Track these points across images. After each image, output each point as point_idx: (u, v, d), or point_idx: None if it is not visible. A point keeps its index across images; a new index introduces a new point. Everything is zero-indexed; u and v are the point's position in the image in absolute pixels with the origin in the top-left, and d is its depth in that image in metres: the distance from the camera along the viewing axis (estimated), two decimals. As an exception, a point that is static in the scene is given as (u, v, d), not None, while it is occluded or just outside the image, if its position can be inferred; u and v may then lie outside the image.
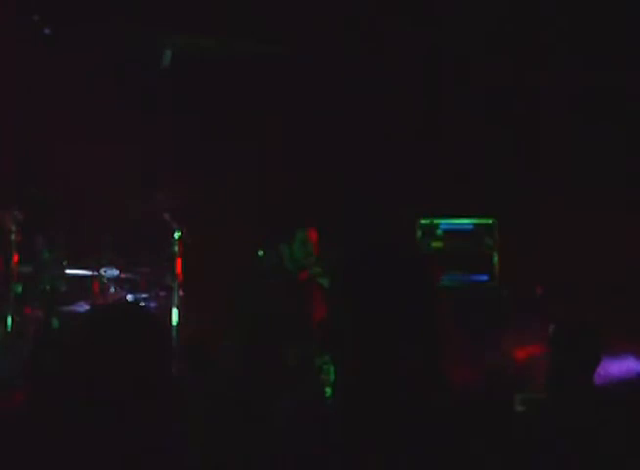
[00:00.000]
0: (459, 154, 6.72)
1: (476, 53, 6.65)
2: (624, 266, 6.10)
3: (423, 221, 6.49)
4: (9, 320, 5.46)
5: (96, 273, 5.98)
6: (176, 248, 5.82)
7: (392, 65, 6.87)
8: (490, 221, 6.44)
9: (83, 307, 5.87)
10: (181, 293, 5.81)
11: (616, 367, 4.85)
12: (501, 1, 6.65)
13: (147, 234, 6.19)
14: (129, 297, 6.01)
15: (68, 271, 5.96)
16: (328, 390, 4.59)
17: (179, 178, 6.61)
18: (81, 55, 6.79)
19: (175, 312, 5.75)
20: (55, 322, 5.66)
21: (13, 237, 5.55)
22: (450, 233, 6.49)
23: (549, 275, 6.29)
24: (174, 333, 5.67)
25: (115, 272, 6.02)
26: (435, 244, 6.44)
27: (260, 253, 5.84)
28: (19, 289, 5.63)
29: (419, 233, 6.47)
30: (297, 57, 7.01)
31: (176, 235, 5.82)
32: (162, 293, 6.08)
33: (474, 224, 6.48)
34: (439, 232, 6.50)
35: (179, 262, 5.81)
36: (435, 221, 6.50)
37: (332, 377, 4.64)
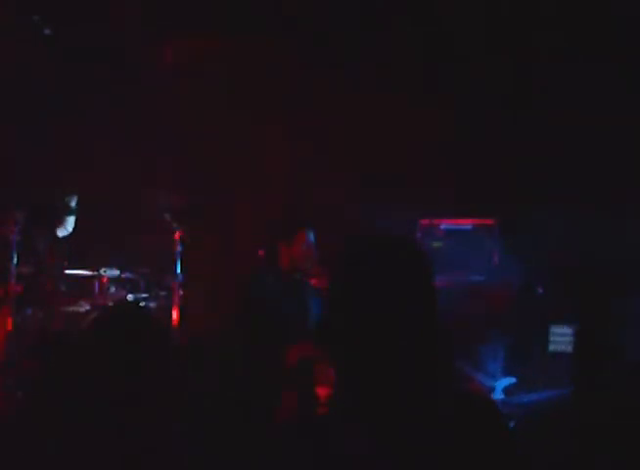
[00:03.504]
0: (459, 154, 6.72)
1: (476, 52, 6.65)
2: (624, 264, 6.09)
3: (423, 221, 6.49)
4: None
5: (96, 273, 5.98)
6: (176, 248, 5.82)
7: (393, 63, 6.87)
8: (490, 221, 6.44)
9: (83, 307, 5.87)
10: (181, 293, 5.81)
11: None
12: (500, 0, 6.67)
13: (147, 234, 6.20)
14: (129, 297, 6.01)
15: (68, 271, 5.96)
16: (327, 390, 4.59)
17: (179, 178, 6.61)
18: (81, 54, 6.79)
19: (175, 312, 5.75)
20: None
21: (13, 237, 5.55)
22: (450, 233, 6.49)
23: (549, 275, 6.29)
24: (174, 333, 5.67)
25: (115, 272, 6.02)
26: (435, 244, 6.44)
27: (260, 253, 5.84)
28: (19, 289, 5.63)
29: (419, 233, 6.47)
30: (297, 56, 7.02)
31: (176, 235, 5.82)
32: (162, 293, 6.08)
33: (474, 224, 6.48)
34: (439, 232, 6.50)
35: (179, 262, 5.82)
36: (435, 221, 6.50)
37: (331, 377, 4.64)
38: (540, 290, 6.24)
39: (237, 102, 7.07)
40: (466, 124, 6.72)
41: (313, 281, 5.32)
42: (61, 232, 6.05)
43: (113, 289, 6.03)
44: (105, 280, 5.99)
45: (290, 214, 5.75)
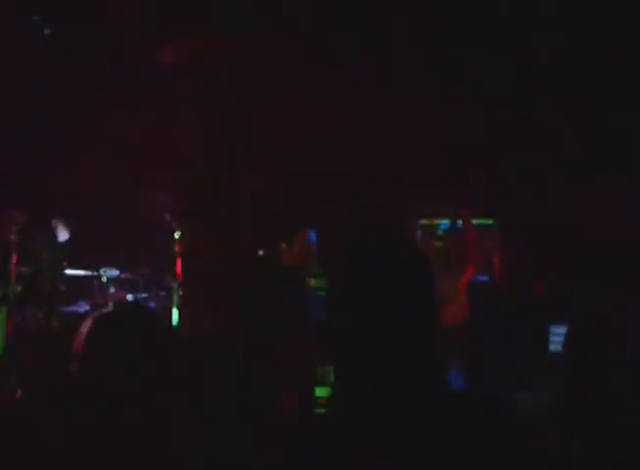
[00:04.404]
0: (459, 154, 6.72)
1: (476, 52, 6.65)
2: (625, 263, 6.10)
3: (423, 221, 6.50)
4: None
5: (96, 273, 5.98)
6: (176, 248, 5.82)
7: (393, 63, 6.87)
8: (490, 221, 6.44)
9: (83, 307, 5.87)
10: (181, 293, 5.81)
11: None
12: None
13: (147, 234, 6.19)
14: (129, 297, 6.01)
15: (68, 271, 5.96)
16: (328, 390, 4.59)
17: (179, 178, 6.61)
18: (81, 54, 6.79)
19: (175, 312, 5.75)
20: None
21: (13, 237, 5.55)
22: (450, 233, 6.50)
23: (549, 275, 6.29)
24: (176, 333, 5.66)
25: (115, 272, 6.02)
26: (435, 244, 6.44)
27: (260, 253, 5.84)
28: (19, 289, 5.63)
29: (419, 233, 6.48)
30: (297, 56, 7.02)
31: (176, 235, 5.82)
32: (162, 293, 6.08)
33: (474, 224, 6.48)
34: (439, 232, 6.51)
35: (179, 262, 5.82)
36: (435, 221, 6.50)
37: (331, 377, 4.64)
38: (540, 290, 6.23)
39: (237, 102, 7.07)
40: (466, 124, 6.72)
41: (313, 281, 5.32)
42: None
43: (112, 289, 6.03)
44: (105, 280, 5.99)
45: (290, 215, 5.74)
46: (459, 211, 6.42)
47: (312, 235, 5.22)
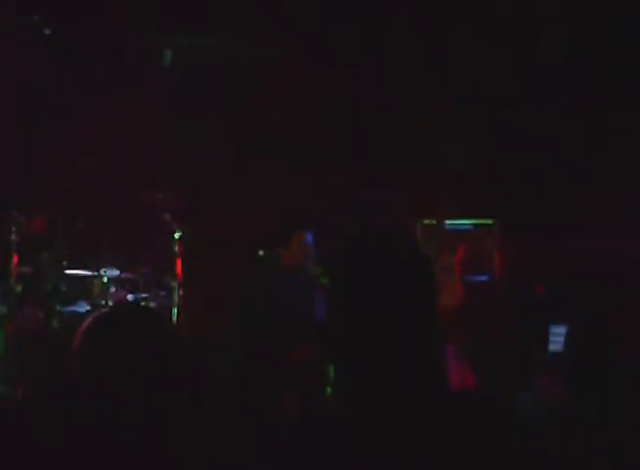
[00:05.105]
0: (459, 153, 6.72)
1: (476, 52, 6.65)
2: (624, 265, 6.10)
3: (423, 221, 6.49)
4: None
5: (96, 273, 5.98)
6: (176, 248, 5.82)
7: (392, 64, 6.87)
8: (490, 221, 6.44)
9: (83, 307, 5.87)
10: (181, 293, 5.81)
11: None
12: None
13: (147, 234, 6.19)
14: (129, 297, 6.00)
15: (67, 271, 5.96)
16: (328, 389, 4.59)
17: (179, 178, 6.61)
18: (81, 54, 6.80)
19: (175, 312, 5.75)
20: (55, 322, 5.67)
21: (13, 237, 5.55)
22: (450, 233, 6.49)
23: (549, 275, 6.29)
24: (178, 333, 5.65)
25: (115, 272, 6.02)
26: (435, 244, 6.43)
27: (260, 253, 5.84)
28: (19, 289, 5.63)
29: (419, 233, 6.47)
30: (297, 56, 7.02)
31: (176, 235, 5.82)
32: (162, 293, 6.08)
33: (474, 224, 6.48)
34: (436, 232, 6.50)
35: (179, 262, 5.82)
36: (435, 221, 6.49)
37: (332, 376, 4.64)
38: (540, 290, 6.23)
39: (237, 102, 7.07)
40: (466, 124, 6.72)
41: (317, 280, 5.33)
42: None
43: (113, 289, 6.03)
44: (105, 280, 5.98)
45: (286, 217, 5.75)
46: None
47: (309, 237, 5.23)
